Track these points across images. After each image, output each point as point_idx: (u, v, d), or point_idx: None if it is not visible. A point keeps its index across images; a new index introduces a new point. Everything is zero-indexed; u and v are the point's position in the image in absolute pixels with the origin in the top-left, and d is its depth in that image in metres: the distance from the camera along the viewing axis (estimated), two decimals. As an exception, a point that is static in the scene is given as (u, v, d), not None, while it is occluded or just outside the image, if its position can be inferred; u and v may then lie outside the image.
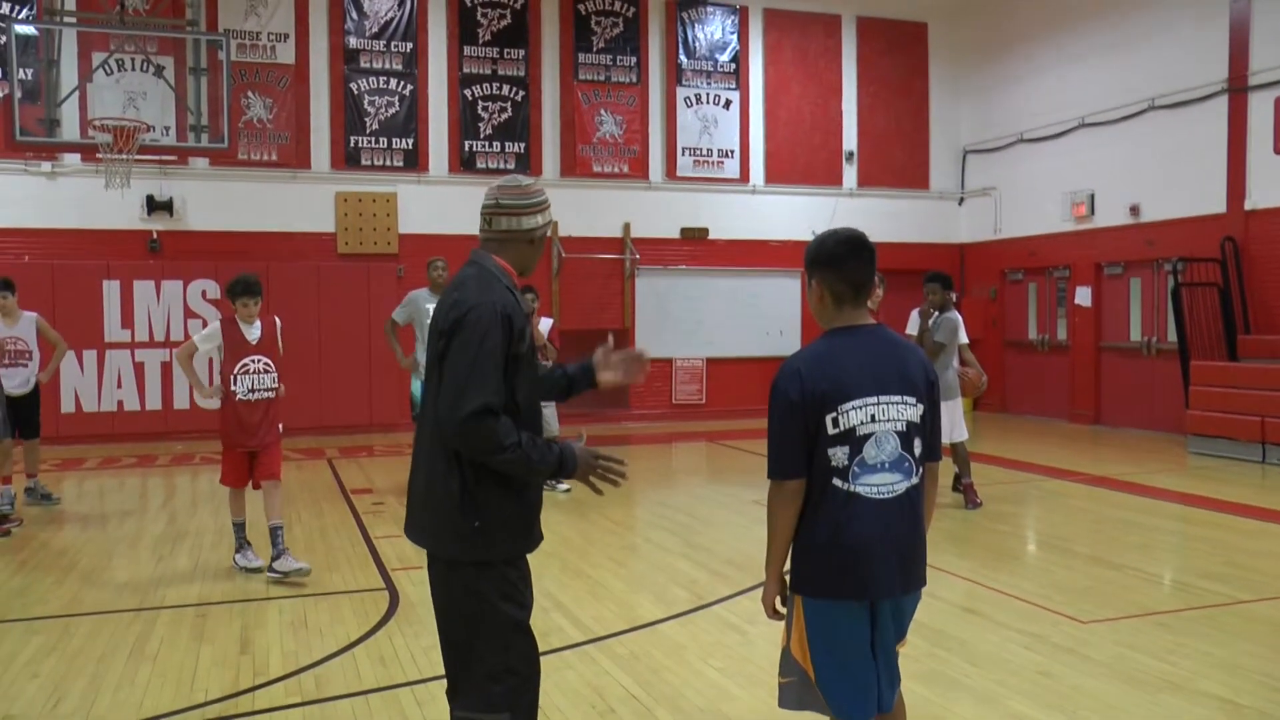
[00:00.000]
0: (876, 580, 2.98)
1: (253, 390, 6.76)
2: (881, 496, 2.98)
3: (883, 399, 2.98)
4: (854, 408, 2.95)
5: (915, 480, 3.05)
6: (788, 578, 3.12)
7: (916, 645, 5.41)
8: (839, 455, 2.95)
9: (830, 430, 2.95)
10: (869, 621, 3.03)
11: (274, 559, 6.82)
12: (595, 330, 16.18)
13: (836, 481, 2.96)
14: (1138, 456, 12.50)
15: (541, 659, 5.13)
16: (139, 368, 13.85)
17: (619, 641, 5.53)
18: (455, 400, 2.97)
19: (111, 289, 13.78)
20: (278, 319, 7.07)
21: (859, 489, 2.96)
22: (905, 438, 3.01)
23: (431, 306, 9.32)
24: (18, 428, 9.28)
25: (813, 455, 2.97)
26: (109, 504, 10.04)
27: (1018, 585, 6.65)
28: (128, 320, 13.84)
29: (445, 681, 3.31)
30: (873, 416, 2.96)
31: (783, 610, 3.15)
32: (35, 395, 9.55)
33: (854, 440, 2.95)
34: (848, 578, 2.96)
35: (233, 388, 6.74)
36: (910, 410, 3.02)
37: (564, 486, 9.99)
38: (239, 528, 7.05)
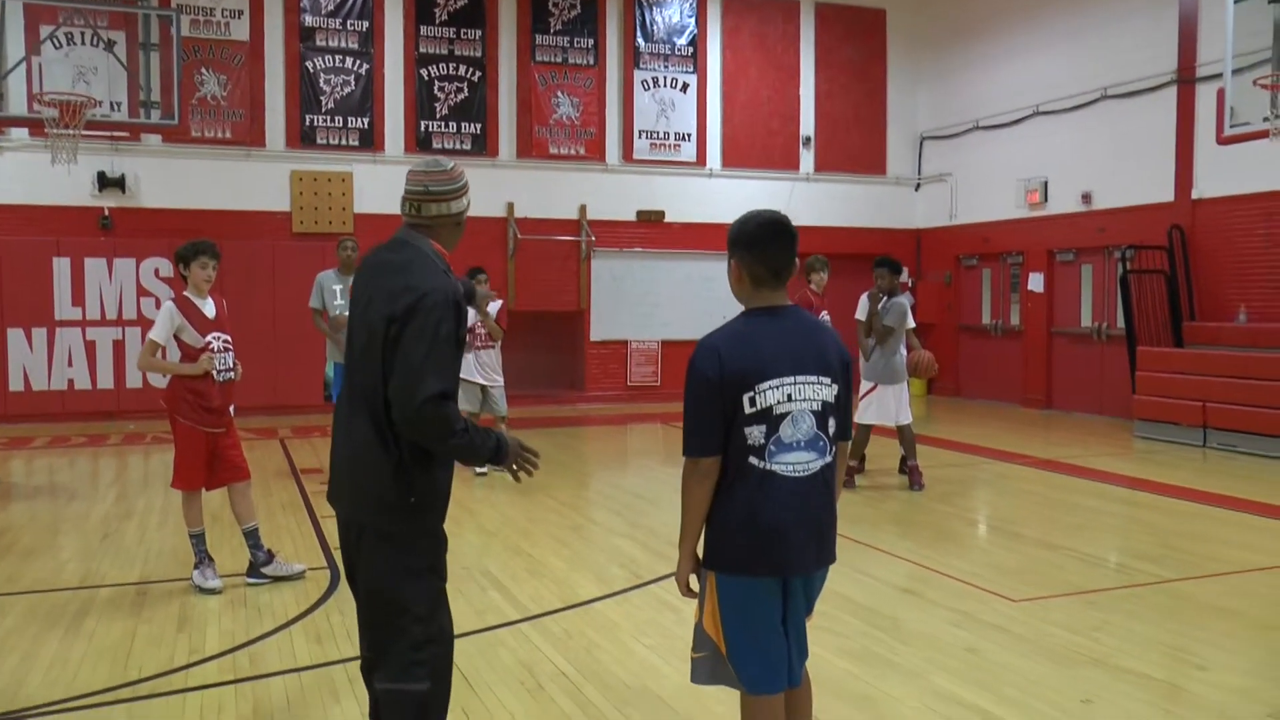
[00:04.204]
0: (791, 557, 3.04)
1: (217, 370, 6.12)
2: (797, 475, 3.03)
3: (799, 379, 3.03)
4: (771, 387, 3.00)
5: (829, 459, 3.11)
6: (700, 554, 3.18)
7: (849, 624, 5.53)
8: (755, 434, 3.00)
9: (747, 409, 2.99)
10: (781, 597, 3.09)
11: (261, 564, 6.25)
12: (550, 312, 16.21)
13: (753, 460, 3.01)
14: (1085, 440, 12.71)
15: (476, 636, 5.26)
16: (90, 346, 13.71)
17: (554, 620, 5.58)
18: (413, 386, 3.03)
19: (62, 266, 13.61)
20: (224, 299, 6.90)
21: (775, 467, 3.01)
22: (820, 417, 3.07)
23: (339, 288, 9.20)
24: None
25: (729, 434, 3.02)
26: (56, 483, 9.96)
27: (954, 565, 6.76)
28: (78, 298, 13.68)
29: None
30: (789, 396, 3.02)
31: (695, 587, 3.21)
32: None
33: (771, 419, 3.00)
34: (764, 555, 3.02)
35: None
36: (825, 390, 3.08)
37: (480, 470, 9.90)
38: (198, 539, 6.18)
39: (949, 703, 4.44)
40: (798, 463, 3.02)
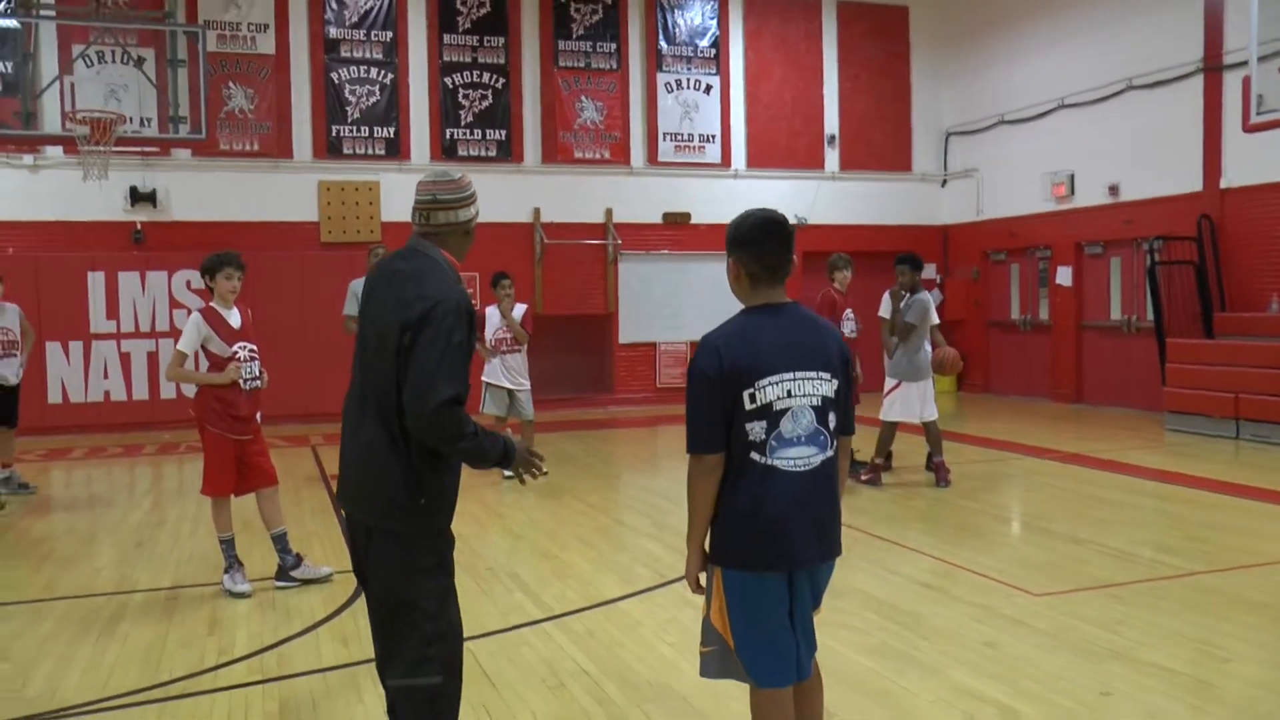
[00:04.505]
0: (795, 551, 3.08)
1: (244, 379, 6.26)
2: (798, 469, 3.07)
3: (799, 375, 3.08)
4: (771, 383, 3.05)
5: (830, 453, 3.15)
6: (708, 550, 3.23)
7: (869, 619, 5.55)
8: (756, 430, 3.05)
9: (748, 405, 3.04)
10: (787, 591, 3.13)
11: (290, 568, 6.38)
12: (578, 316, 16.31)
13: (754, 455, 3.06)
14: (1115, 434, 12.61)
15: (500, 636, 5.33)
16: (125, 358, 13.94)
17: (577, 619, 5.65)
18: (426, 391, 3.12)
19: (96, 280, 13.85)
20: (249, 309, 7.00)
21: (776, 462, 3.06)
22: (820, 412, 3.11)
23: None
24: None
25: (731, 430, 3.07)
26: (93, 492, 10.16)
27: (977, 560, 6.76)
28: (113, 311, 13.92)
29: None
30: (789, 392, 3.06)
31: (705, 583, 3.26)
32: (18, 387, 9.65)
33: (771, 415, 3.05)
34: (767, 549, 3.06)
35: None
36: (825, 385, 3.12)
37: (508, 473, 10.01)
38: (228, 545, 6.34)
39: (966, 696, 4.46)
40: (799, 458, 3.07)
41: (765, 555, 3.06)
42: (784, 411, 3.06)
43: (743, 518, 3.07)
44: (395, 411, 3.22)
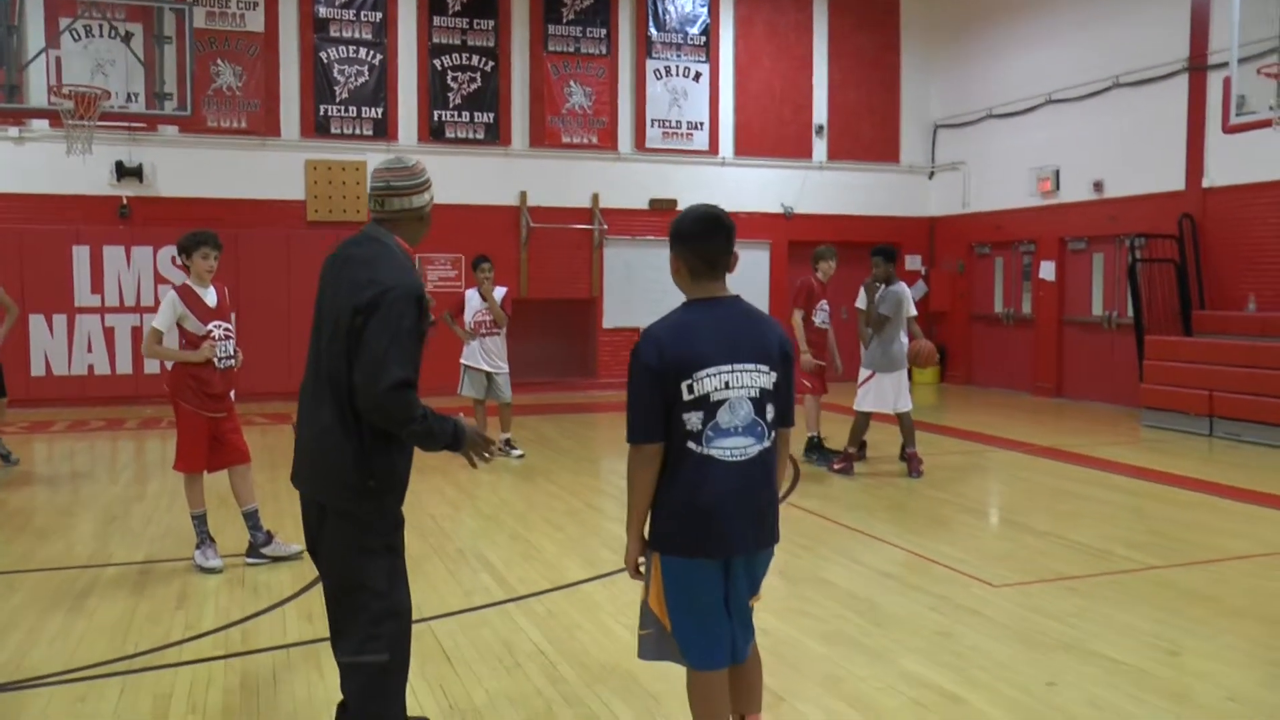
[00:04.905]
0: (730, 539, 3.17)
1: (218, 358, 6.32)
2: (734, 459, 3.16)
3: (736, 367, 3.16)
4: (709, 375, 3.13)
5: (767, 443, 3.23)
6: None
7: (826, 607, 5.65)
8: (694, 420, 3.13)
9: (685, 396, 3.12)
10: (723, 577, 3.22)
11: (261, 544, 6.45)
12: (562, 300, 16.37)
13: (691, 445, 3.14)
14: (1092, 428, 12.73)
15: (462, 616, 5.41)
16: (109, 332, 13.98)
17: (539, 600, 5.74)
18: (376, 373, 3.20)
19: (81, 254, 13.89)
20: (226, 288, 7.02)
21: (712, 452, 3.14)
22: (758, 403, 3.19)
23: None
24: None
25: (670, 420, 3.15)
26: (73, 466, 10.21)
27: (941, 551, 6.86)
28: (97, 285, 13.96)
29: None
30: (726, 383, 3.14)
31: (644, 568, 3.35)
32: (-3, 358, 9.71)
33: (708, 406, 3.13)
34: (703, 537, 3.15)
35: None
36: (763, 377, 3.20)
37: (517, 453, 10.19)
38: (199, 520, 6.40)
39: (914, 684, 4.56)
40: (735, 448, 3.15)
41: (701, 542, 3.14)
42: (721, 402, 3.14)
43: (679, 505, 3.15)
44: (348, 394, 3.29)
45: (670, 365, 3.11)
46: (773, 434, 3.24)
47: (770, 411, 3.22)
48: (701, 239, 3.25)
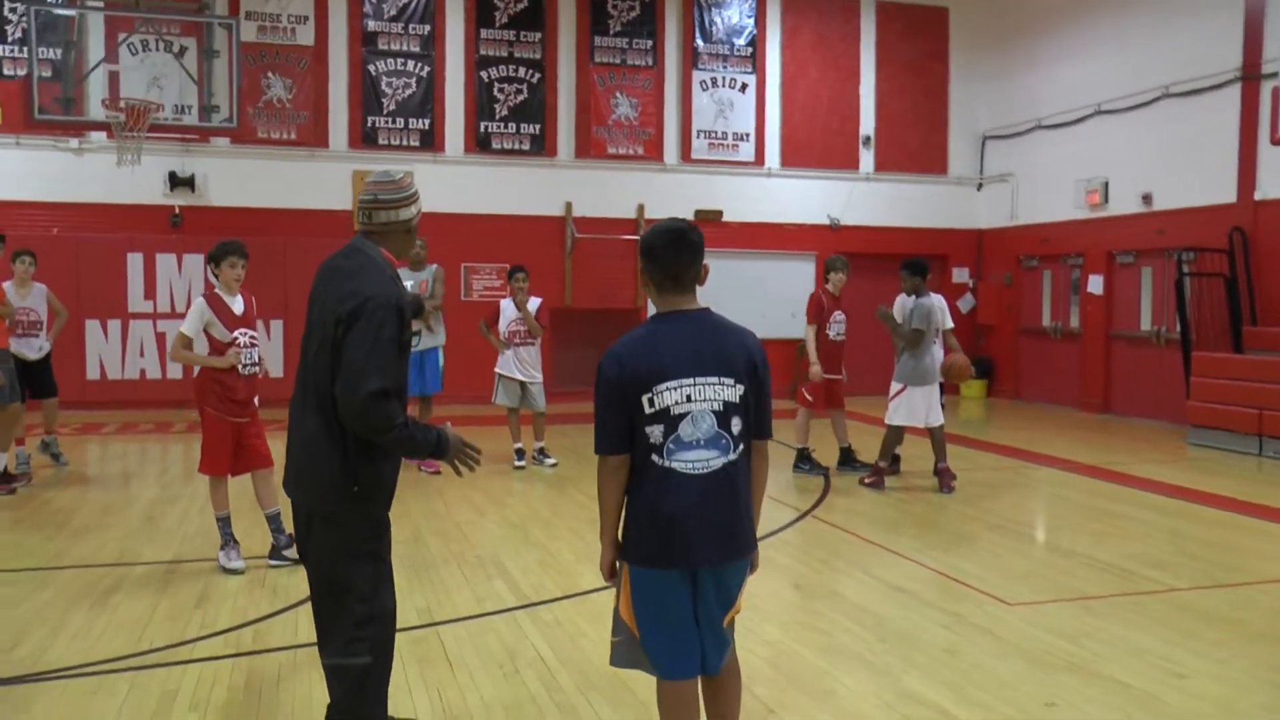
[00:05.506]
0: (691, 550, 3.20)
1: (242, 365, 6.52)
2: (696, 472, 3.19)
3: (699, 380, 3.19)
4: (669, 388, 3.17)
5: (733, 456, 3.25)
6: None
7: (834, 620, 5.64)
8: (655, 433, 3.18)
9: (647, 409, 3.17)
10: (690, 588, 3.25)
11: (283, 547, 6.57)
12: (607, 310, 16.46)
13: (654, 457, 3.19)
14: (1136, 446, 12.49)
15: (470, 622, 5.49)
16: (160, 338, 14.33)
17: (548, 609, 5.80)
18: (355, 382, 3.29)
19: (135, 261, 14.29)
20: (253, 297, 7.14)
21: (674, 465, 3.18)
22: (722, 417, 3.22)
23: (410, 283, 9.63)
24: (29, 390, 9.70)
25: (634, 433, 3.20)
26: (120, 467, 10.52)
27: (960, 568, 6.80)
28: (150, 292, 14.35)
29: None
30: (688, 397, 3.18)
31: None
32: (47, 359, 10.00)
33: (669, 419, 3.18)
34: (665, 547, 3.19)
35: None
36: (728, 390, 3.23)
37: (551, 461, 10.30)
38: (224, 522, 6.57)
39: (910, 701, 4.54)
40: (697, 460, 3.18)
41: (664, 553, 3.18)
42: (683, 416, 3.17)
43: (643, 516, 3.20)
44: (332, 402, 3.38)
45: (630, 379, 3.16)
46: (739, 447, 3.26)
47: (736, 424, 3.24)
48: (665, 253, 3.29)
